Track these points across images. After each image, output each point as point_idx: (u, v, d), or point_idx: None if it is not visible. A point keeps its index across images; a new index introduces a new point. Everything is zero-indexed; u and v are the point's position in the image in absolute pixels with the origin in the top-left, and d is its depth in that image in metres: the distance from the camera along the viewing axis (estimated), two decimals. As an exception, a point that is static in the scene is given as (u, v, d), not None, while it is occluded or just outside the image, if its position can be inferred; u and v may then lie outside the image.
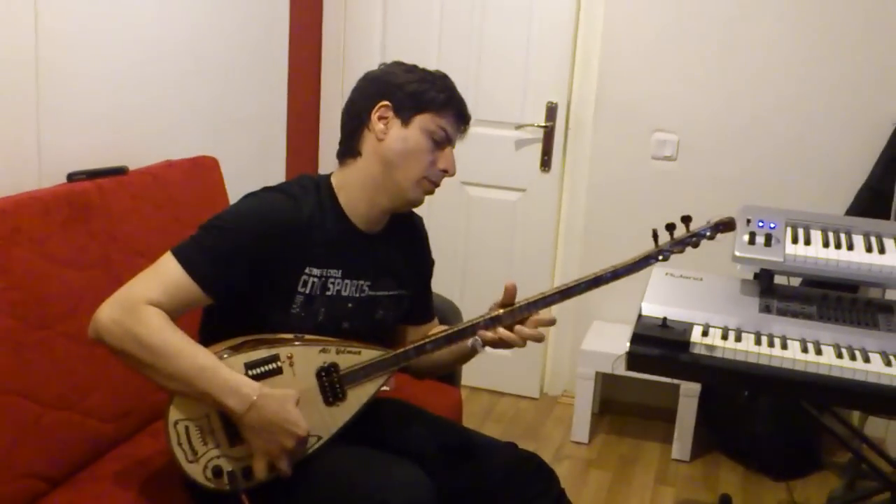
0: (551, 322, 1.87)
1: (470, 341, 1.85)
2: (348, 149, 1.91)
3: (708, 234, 1.90)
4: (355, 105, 1.91)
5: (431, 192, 1.93)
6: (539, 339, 1.82)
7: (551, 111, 3.64)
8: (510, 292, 1.82)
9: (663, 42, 3.48)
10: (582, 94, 3.67)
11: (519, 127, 3.68)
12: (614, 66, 3.56)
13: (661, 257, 1.88)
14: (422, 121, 1.86)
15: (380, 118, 1.86)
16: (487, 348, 1.87)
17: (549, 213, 3.75)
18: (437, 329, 2.09)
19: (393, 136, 1.86)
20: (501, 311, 1.82)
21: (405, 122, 1.86)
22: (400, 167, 1.86)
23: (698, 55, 3.45)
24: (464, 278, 3.77)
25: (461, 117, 1.92)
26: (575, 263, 3.76)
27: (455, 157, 1.92)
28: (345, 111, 1.94)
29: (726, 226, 1.93)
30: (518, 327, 1.81)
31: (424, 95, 1.86)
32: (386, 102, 1.86)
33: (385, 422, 2.00)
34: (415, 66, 1.92)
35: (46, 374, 1.94)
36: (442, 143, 1.89)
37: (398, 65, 1.93)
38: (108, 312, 1.67)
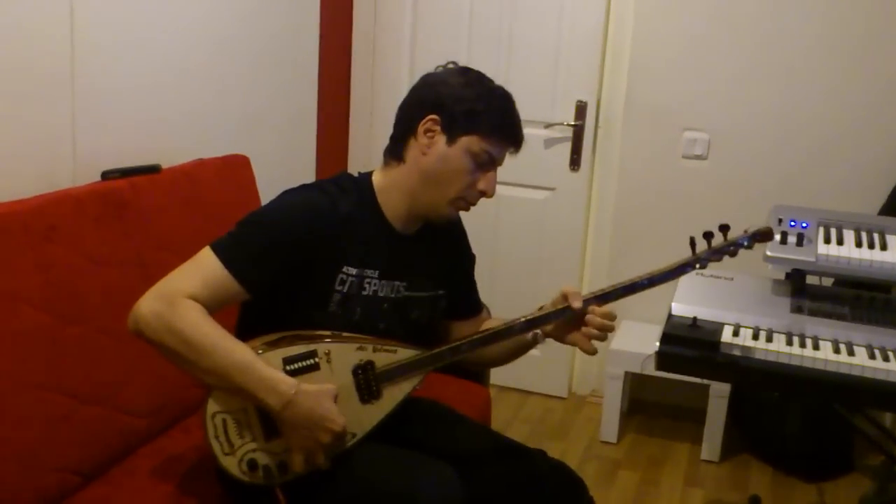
0: (613, 315, 1.88)
1: (530, 334, 1.89)
2: (394, 152, 1.89)
3: (746, 243, 1.90)
4: (407, 110, 1.88)
5: (466, 210, 1.92)
6: (609, 327, 1.85)
7: (581, 110, 3.63)
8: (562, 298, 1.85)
9: (694, 40, 3.46)
10: (612, 93, 3.65)
11: (548, 125, 3.67)
12: (644, 64, 3.54)
13: (698, 266, 1.88)
14: (467, 142, 1.82)
15: (426, 132, 1.83)
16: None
17: (579, 212, 3.74)
18: (488, 323, 2.10)
19: (435, 152, 1.83)
20: (538, 313, 1.84)
21: (450, 140, 1.82)
22: (436, 185, 1.84)
23: (729, 53, 3.43)
24: (492, 277, 3.76)
25: (511, 142, 1.87)
26: (604, 263, 3.75)
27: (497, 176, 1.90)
28: (398, 111, 1.91)
29: (764, 235, 1.92)
30: (589, 317, 1.83)
31: (476, 117, 1.81)
32: (434, 116, 1.82)
33: (418, 422, 2.01)
34: (477, 79, 1.86)
35: (81, 369, 1.97)
36: (485, 165, 1.85)
37: (460, 74, 1.87)
38: (148, 305, 1.68)
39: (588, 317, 1.83)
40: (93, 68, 2.31)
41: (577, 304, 1.82)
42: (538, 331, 1.89)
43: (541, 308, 1.88)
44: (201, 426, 1.74)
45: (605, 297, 1.85)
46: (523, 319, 1.85)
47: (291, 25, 3.31)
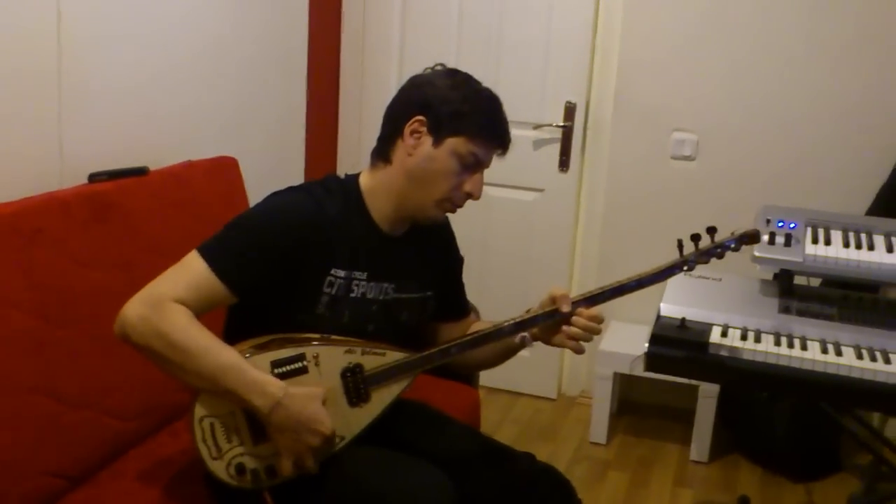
0: (601, 318, 1.86)
1: (518, 337, 1.88)
2: (381, 153, 1.89)
3: (733, 245, 1.90)
4: (393, 111, 1.88)
5: (453, 212, 1.92)
6: (594, 329, 1.84)
7: (570, 111, 3.64)
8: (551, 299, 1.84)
9: (683, 41, 3.47)
10: (601, 94, 3.66)
11: (537, 127, 3.67)
12: (633, 65, 3.55)
13: (685, 268, 1.88)
14: (454, 143, 1.81)
15: (412, 133, 1.82)
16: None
17: (568, 213, 3.75)
18: (476, 325, 2.10)
19: (421, 153, 1.82)
20: (526, 315, 1.83)
21: (437, 142, 1.81)
22: (422, 186, 1.83)
23: (718, 54, 3.44)
24: (481, 278, 3.76)
25: (498, 144, 1.86)
26: (593, 263, 3.75)
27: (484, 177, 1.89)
28: (386, 113, 1.90)
29: (751, 238, 1.93)
30: (575, 318, 1.83)
31: (462, 119, 1.80)
32: (421, 117, 1.81)
33: (407, 424, 2.00)
34: (465, 81, 1.85)
35: (68, 373, 1.96)
36: (471, 167, 1.84)
37: (447, 76, 1.86)
38: (134, 309, 1.68)
39: (573, 318, 1.83)
40: (80, 70, 2.30)
41: (565, 308, 1.82)
42: (526, 334, 1.89)
43: (528, 311, 1.88)
44: (189, 430, 1.73)
45: (593, 299, 1.85)
46: (511, 322, 1.85)
47: (280, 26, 3.30)
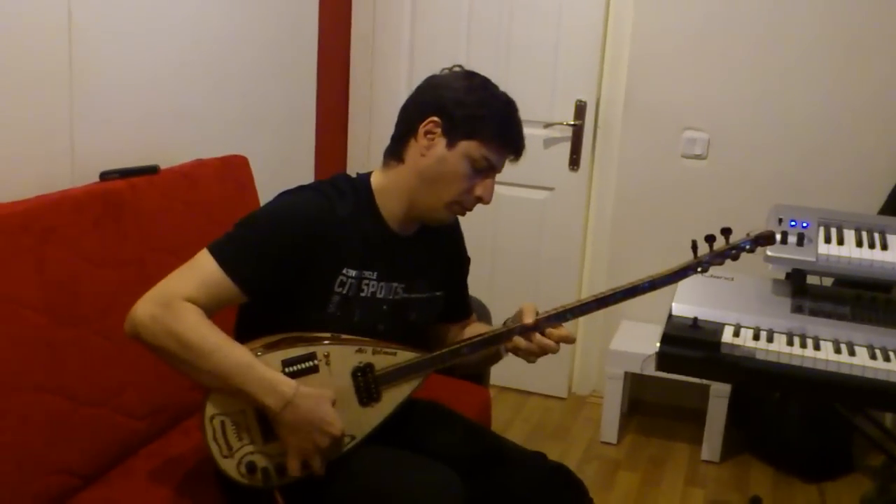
0: (571, 339, 1.85)
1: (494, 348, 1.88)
2: (394, 152, 1.88)
3: (748, 247, 1.89)
4: (409, 111, 1.87)
5: (462, 215, 1.92)
6: (554, 350, 1.83)
7: (580, 109, 3.63)
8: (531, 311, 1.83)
9: (694, 39, 3.46)
10: (611, 92, 3.65)
11: (547, 125, 3.67)
12: (644, 63, 3.54)
13: (699, 269, 1.87)
14: (467, 147, 1.80)
15: (426, 133, 1.82)
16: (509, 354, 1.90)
17: (578, 211, 3.74)
18: (474, 327, 2.09)
19: (434, 154, 1.81)
20: (538, 316, 1.82)
21: (450, 144, 1.81)
22: (433, 187, 1.83)
23: (729, 52, 3.42)
24: (492, 277, 3.77)
25: (511, 150, 1.86)
26: (603, 263, 3.74)
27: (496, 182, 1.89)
28: (401, 112, 1.89)
29: (767, 239, 1.91)
30: (538, 336, 1.82)
31: (477, 123, 1.80)
32: (436, 119, 1.81)
33: (418, 424, 2.00)
34: (482, 85, 1.85)
35: (80, 371, 1.96)
36: (483, 171, 1.84)
37: (464, 78, 1.85)
38: (145, 308, 1.68)
39: (538, 336, 1.82)
40: (91, 69, 2.30)
41: (529, 320, 1.82)
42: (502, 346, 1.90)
43: (504, 323, 1.88)
44: (200, 428, 1.73)
45: (604, 300, 1.84)
46: (523, 324, 1.84)
47: (290, 25, 3.30)
